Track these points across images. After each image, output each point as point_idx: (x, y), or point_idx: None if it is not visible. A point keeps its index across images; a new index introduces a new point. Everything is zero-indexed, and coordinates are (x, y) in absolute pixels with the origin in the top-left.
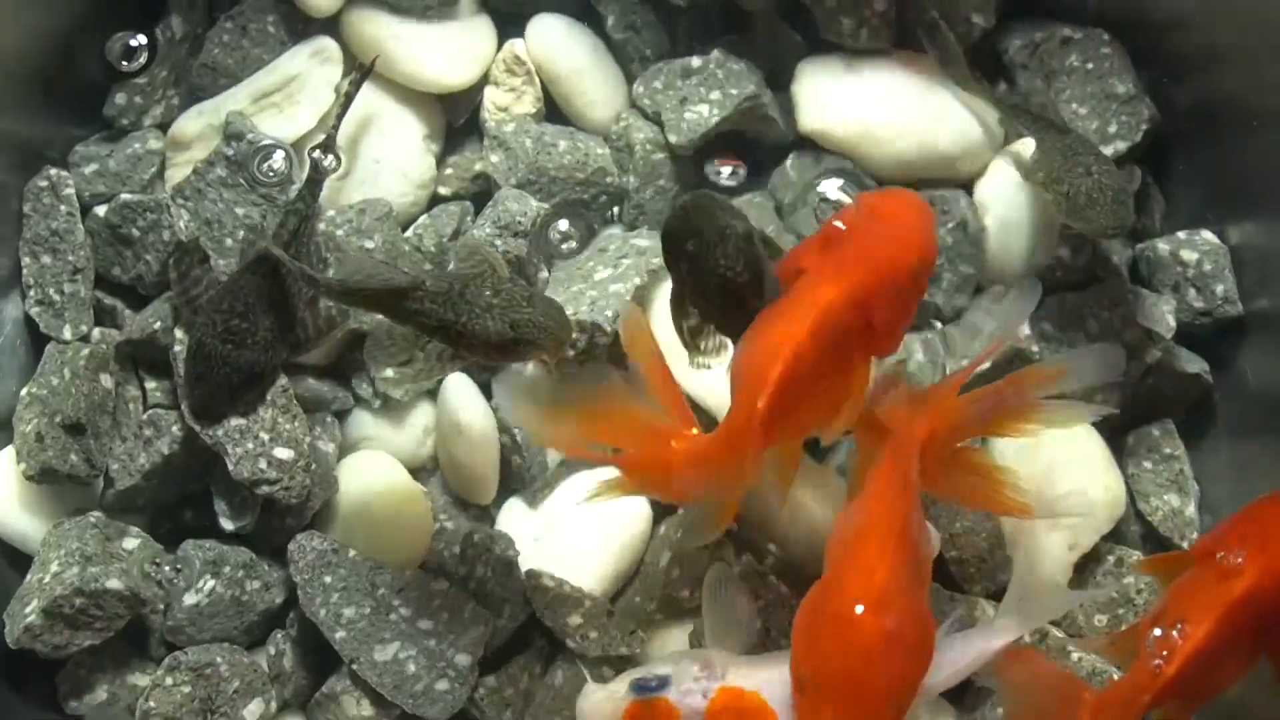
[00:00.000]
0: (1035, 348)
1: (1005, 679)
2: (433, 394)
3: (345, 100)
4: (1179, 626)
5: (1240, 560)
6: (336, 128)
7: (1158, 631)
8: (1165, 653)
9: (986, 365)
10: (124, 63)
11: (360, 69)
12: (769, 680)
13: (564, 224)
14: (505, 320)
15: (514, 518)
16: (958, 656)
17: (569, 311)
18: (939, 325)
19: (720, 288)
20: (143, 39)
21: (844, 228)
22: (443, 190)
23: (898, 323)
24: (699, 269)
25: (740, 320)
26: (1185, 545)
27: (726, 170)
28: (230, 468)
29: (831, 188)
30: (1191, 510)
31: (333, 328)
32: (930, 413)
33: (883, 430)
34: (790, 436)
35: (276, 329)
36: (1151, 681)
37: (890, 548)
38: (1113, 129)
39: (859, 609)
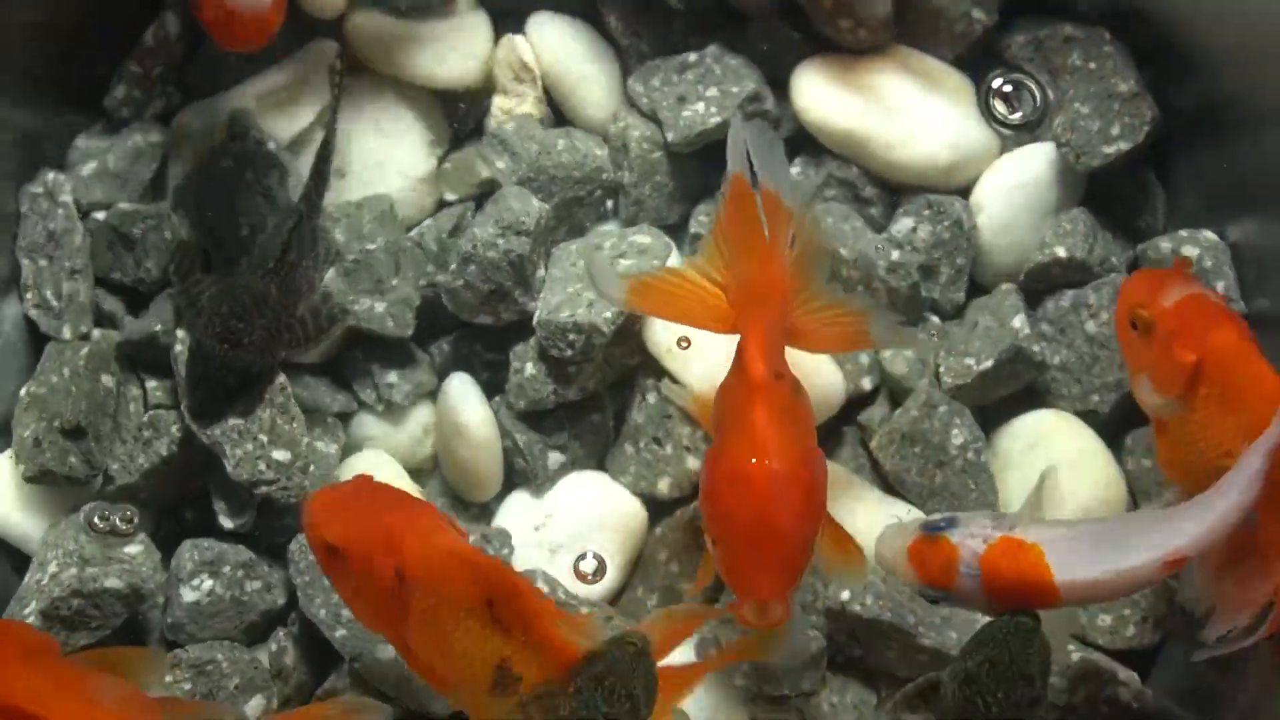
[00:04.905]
0: (1037, 347)
1: None
2: (433, 395)
3: (334, 102)
4: None
5: None
6: (333, 129)
7: None
8: None
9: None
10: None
11: (336, 73)
12: (1055, 538)
13: (591, 562)
14: None
15: (516, 510)
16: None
17: (566, 314)
18: (936, 320)
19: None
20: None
21: None
22: (448, 195)
23: None
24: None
25: None
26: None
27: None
28: (229, 469)
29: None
30: None
31: (333, 324)
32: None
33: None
34: None
35: (273, 329)
36: None
37: (768, 404)
38: (1115, 130)
39: (750, 463)
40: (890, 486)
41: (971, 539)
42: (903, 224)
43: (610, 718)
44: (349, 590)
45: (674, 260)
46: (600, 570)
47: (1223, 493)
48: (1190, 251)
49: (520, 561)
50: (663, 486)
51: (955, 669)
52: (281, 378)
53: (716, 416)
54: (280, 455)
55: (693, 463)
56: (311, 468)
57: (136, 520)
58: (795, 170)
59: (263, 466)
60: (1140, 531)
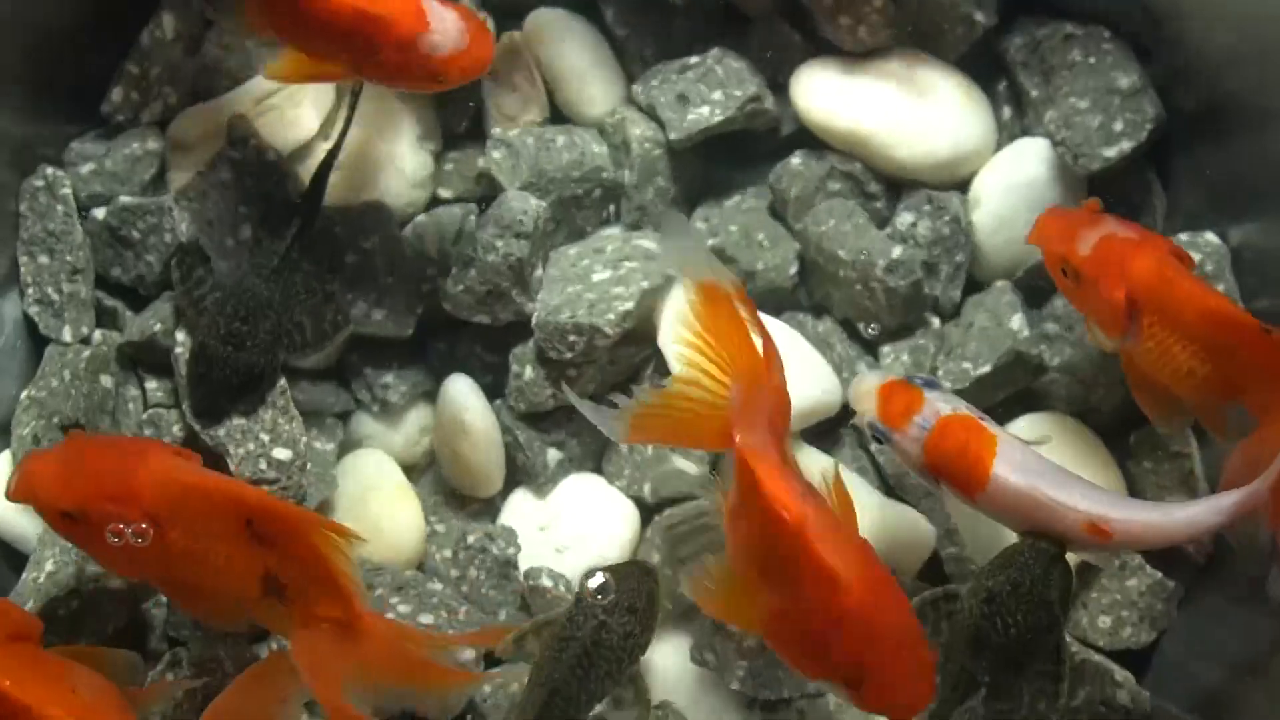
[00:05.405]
0: (1035, 350)
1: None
2: (429, 395)
3: (345, 123)
4: None
5: None
6: (340, 144)
7: None
8: None
9: None
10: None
11: (353, 94)
12: (1012, 442)
13: (597, 579)
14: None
15: (520, 508)
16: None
17: (565, 315)
18: (937, 320)
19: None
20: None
21: None
22: (444, 193)
23: None
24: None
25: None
26: (1192, 549)
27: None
28: (232, 468)
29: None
30: None
31: (336, 332)
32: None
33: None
34: None
35: (276, 332)
36: None
37: (818, 532)
38: (1118, 127)
39: (847, 599)
40: (891, 489)
41: (942, 402)
42: (904, 218)
43: (605, 627)
44: (95, 549)
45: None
46: (605, 588)
47: (1185, 508)
48: (1191, 254)
49: (526, 560)
50: (645, 491)
51: (977, 586)
52: (282, 381)
53: (755, 553)
54: (281, 454)
55: (686, 466)
56: (310, 465)
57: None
58: (796, 162)
59: (264, 465)
60: (1088, 489)
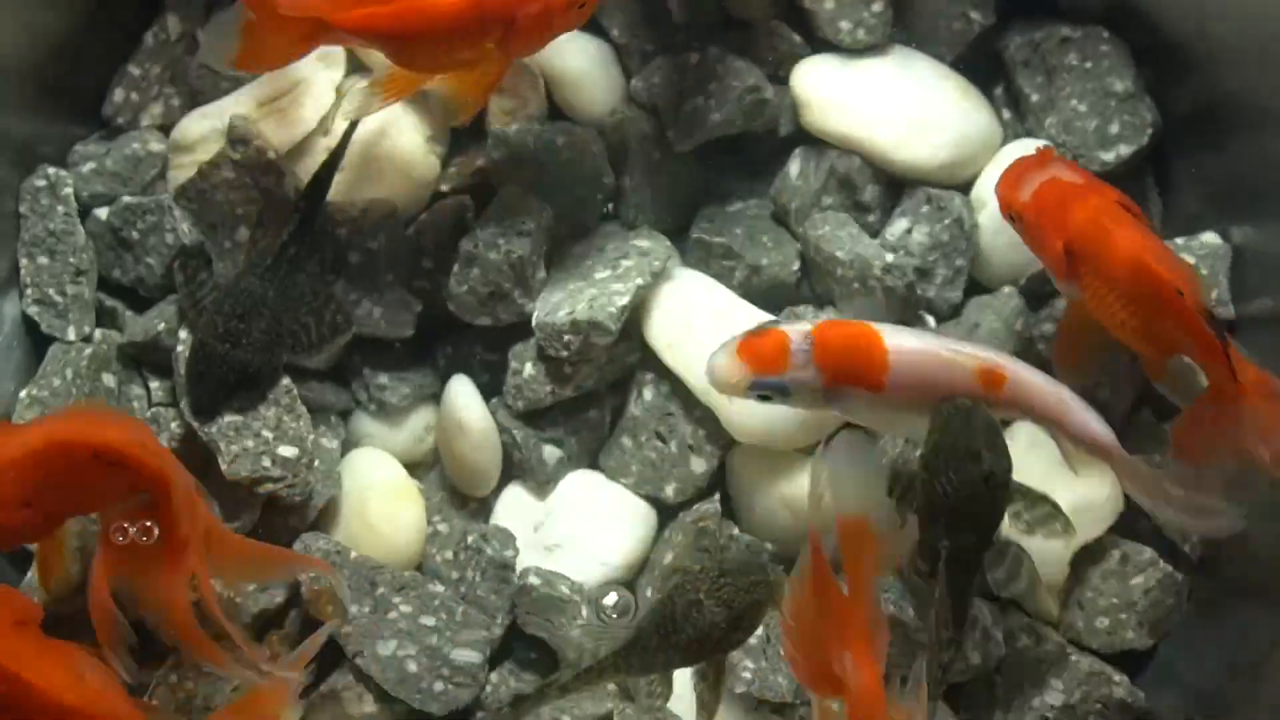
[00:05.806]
0: (1040, 346)
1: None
2: (435, 396)
3: (350, 127)
4: None
5: None
6: (344, 147)
7: None
8: None
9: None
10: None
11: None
12: (886, 324)
13: (612, 597)
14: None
15: (514, 505)
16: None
17: (565, 311)
18: (932, 321)
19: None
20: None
21: None
22: (443, 186)
23: None
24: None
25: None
26: (1186, 547)
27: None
28: (224, 467)
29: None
30: None
31: (336, 334)
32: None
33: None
34: None
35: (274, 331)
36: None
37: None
38: (1114, 129)
39: None
40: (890, 489)
41: (799, 323)
42: (898, 226)
43: (698, 607)
44: None
45: (674, 262)
46: (623, 607)
47: (1089, 411)
48: (1186, 257)
49: (523, 560)
50: (669, 491)
51: (919, 460)
52: (286, 380)
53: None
54: (286, 451)
55: (697, 464)
56: (316, 463)
57: (156, 532)
58: (794, 167)
59: (267, 463)
60: (974, 343)
